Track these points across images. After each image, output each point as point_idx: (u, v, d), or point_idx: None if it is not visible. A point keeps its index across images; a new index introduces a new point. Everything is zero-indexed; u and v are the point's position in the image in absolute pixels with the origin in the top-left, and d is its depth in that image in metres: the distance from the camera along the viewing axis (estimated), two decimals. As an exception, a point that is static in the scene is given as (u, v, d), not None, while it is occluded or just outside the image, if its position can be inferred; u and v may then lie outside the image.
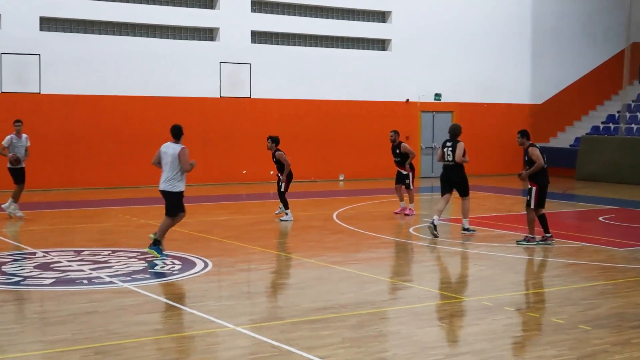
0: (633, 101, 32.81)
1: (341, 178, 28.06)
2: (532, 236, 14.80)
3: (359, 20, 28.90)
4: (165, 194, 13.12)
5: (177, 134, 13.21)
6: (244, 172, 26.69)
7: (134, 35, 25.28)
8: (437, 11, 29.88)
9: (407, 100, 29.52)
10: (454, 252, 14.30)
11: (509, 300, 10.44)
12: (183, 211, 13.23)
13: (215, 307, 9.94)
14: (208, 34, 26.39)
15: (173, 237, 15.24)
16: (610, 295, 10.94)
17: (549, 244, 14.71)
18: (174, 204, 13.09)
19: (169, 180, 13.07)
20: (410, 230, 16.65)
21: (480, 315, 9.80)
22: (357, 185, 26.61)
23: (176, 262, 12.74)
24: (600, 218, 18.55)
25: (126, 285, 11.04)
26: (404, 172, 19.05)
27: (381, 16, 29.31)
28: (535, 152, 14.65)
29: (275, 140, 17.85)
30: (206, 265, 12.56)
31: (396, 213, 18.97)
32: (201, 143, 25.91)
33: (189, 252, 13.65)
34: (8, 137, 17.56)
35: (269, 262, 13.09)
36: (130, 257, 13.10)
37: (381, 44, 29.36)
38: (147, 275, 11.71)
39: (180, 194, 13.13)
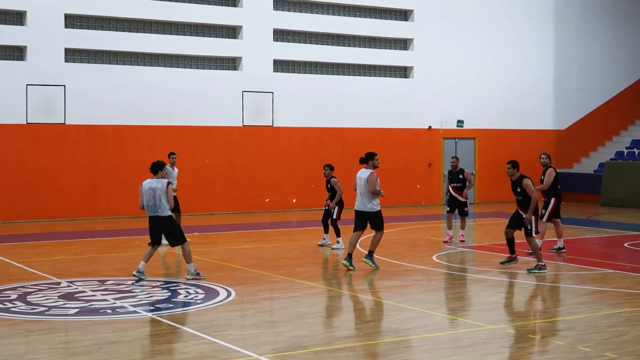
0: (657, 126, 32.64)
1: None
2: (542, 263, 14.62)
3: (381, 48, 28.99)
4: (366, 214, 14.82)
5: (366, 159, 14.95)
6: (267, 200, 26.74)
7: (157, 66, 25.50)
8: (457, 37, 29.91)
9: (430, 127, 29.51)
10: (479, 280, 14.21)
11: (533, 328, 10.36)
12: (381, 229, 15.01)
13: (239, 336, 9.94)
14: (231, 63, 26.57)
15: (197, 266, 15.27)
16: (637, 322, 10.82)
17: (514, 263, 15.03)
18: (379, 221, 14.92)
19: (366, 203, 14.78)
20: (434, 257, 16.58)
21: (504, 343, 9.72)
22: (383, 212, 26.49)
23: (199, 291, 12.75)
24: (626, 244, 18.39)
25: (150, 314, 11.06)
26: (462, 200, 18.76)
27: (403, 43, 29.40)
28: (529, 185, 14.57)
29: (332, 167, 17.96)
30: (229, 294, 12.56)
31: (445, 242, 18.72)
32: (225, 171, 26.02)
33: (212, 281, 13.66)
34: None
35: (292, 290, 13.08)
36: (153, 287, 13.13)
37: (403, 71, 29.43)
38: (171, 305, 11.73)
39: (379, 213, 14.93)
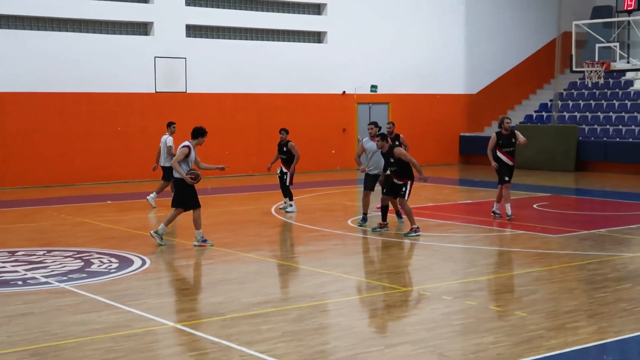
0: (565, 90, 33.39)
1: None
2: (416, 226, 14.86)
3: (294, 12, 28.87)
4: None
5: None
6: (182, 167, 26.49)
7: (66, 31, 24.88)
8: (371, 2, 30.00)
9: (344, 92, 29.61)
10: (393, 243, 14.39)
11: (446, 289, 10.56)
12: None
13: (154, 304, 9.87)
14: (142, 28, 26.11)
15: (109, 235, 15.09)
16: (545, 281, 11.14)
17: (385, 230, 15.23)
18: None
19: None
20: (349, 222, 16.71)
21: (419, 305, 9.90)
22: (296, 178, 26.56)
23: (113, 260, 12.60)
24: (534, 205, 18.85)
25: (62, 285, 10.89)
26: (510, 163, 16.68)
27: (316, 8, 29.34)
28: (401, 152, 14.78)
29: (287, 131, 18.03)
30: (144, 262, 12.45)
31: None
32: (138, 138, 25.64)
33: (125, 249, 13.51)
34: (170, 138, 18.95)
35: (207, 257, 13.03)
36: (66, 257, 12.92)
37: (317, 36, 29.40)
38: (84, 275, 11.56)
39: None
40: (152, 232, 14.02)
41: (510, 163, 16.59)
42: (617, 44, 27.56)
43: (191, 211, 13.85)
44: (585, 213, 18.35)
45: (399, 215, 16.36)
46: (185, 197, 13.72)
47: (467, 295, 10.29)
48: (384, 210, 15.48)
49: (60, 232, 15.65)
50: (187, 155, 13.54)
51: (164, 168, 18.89)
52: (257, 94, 27.80)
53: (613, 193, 21.82)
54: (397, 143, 16.10)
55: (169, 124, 19.38)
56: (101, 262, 12.47)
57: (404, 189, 14.97)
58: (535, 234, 15.06)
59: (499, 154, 16.57)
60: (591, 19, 32.17)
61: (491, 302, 9.89)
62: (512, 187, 17.15)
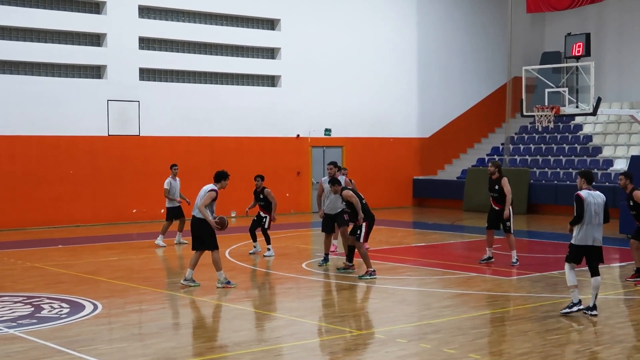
0: (516, 133, 33.90)
1: (233, 215, 27.93)
2: (372, 269, 14.99)
3: (248, 56, 29.00)
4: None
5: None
6: (134, 211, 26.29)
7: (18, 74, 24.70)
8: (325, 47, 30.25)
9: (298, 135, 29.72)
10: (347, 286, 14.39)
11: (401, 332, 10.57)
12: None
13: (106, 350, 9.73)
14: (96, 71, 26.01)
15: (60, 280, 14.89)
16: (499, 323, 11.22)
17: (349, 272, 15.36)
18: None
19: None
20: (303, 265, 16.69)
21: (373, 348, 9.88)
22: (248, 222, 26.49)
23: (64, 305, 12.41)
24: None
25: (12, 331, 10.69)
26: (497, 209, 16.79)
27: (270, 52, 29.51)
28: (349, 194, 15.04)
29: (263, 178, 18.21)
30: (95, 307, 12.28)
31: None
32: (90, 182, 25.41)
33: (77, 294, 13.33)
34: (168, 180, 20.32)
35: (160, 302, 12.90)
36: (15, 302, 12.69)
37: (271, 80, 29.54)
38: (34, 320, 11.36)
39: None
40: (182, 281, 14.15)
41: (495, 208, 16.77)
42: (566, 89, 27.99)
43: (210, 252, 14.03)
44: (537, 255, 18.54)
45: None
46: (205, 237, 13.88)
47: (421, 338, 10.31)
48: (350, 250, 15.63)
49: (10, 277, 15.39)
50: (214, 199, 13.88)
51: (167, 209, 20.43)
52: (211, 137, 27.78)
53: (563, 236, 22.07)
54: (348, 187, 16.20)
55: (171, 166, 20.72)
56: (52, 307, 12.27)
57: (358, 232, 15.13)
58: (488, 276, 15.17)
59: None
60: (541, 64, 32.76)
61: (445, 344, 9.92)
62: (464, 230, 17.32)
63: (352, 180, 18.06)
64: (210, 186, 14.04)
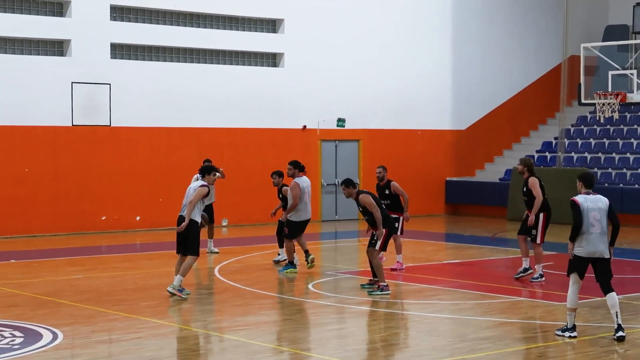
0: (572, 125, 33.84)
1: (224, 223, 27.96)
2: (385, 284, 15.58)
3: (244, 29, 29.03)
4: None
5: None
6: (103, 218, 26.35)
7: (-38, 50, 24.85)
8: (339, 18, 30.24)
9: (304, 126, 29.74)
10: (363, 313, 14.37)
11: (429, 370, 10.56)
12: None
13: (67, 389, 9.76)
14: (57, 47, 26.09)
15: (13, 303, 14.93)
16: (550, 359, 11.18)
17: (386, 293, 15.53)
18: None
19: None
20: (309, 286, 16.69)
21: (395, 390, 9.88)
22: (244, 231, 26.56)
23: (17, 334, 12.44)
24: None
25: (-47, 365, 10.73)
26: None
27: (271, 24, 29.54)
28: (367, 200, 15.49)
29: (281, 174, 19.06)
30: (55, 336, 12.31)
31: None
32: (50, 183, 25.47)
33: (33, 320, 13.35)
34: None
35: (135, 330, 12.92)
36: (-42, 330, 12.74)
37: (271, 59, 29.56)
38: (-20, 352, 11.41)
39: None
40: (168, 288, 15.09)
41: (528, 213, 17.14)
42: (635, 71, 27.98)
43: (187, 257, 15.15)
44: (598, 276, 18.46)
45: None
46: (191, 240, 15.06)
47: (454, 377, 10.30)
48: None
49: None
50: (206, 196, 15.07)
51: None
52: (198, 128, 27.80)
53: (631, 251, 22.04)
54: (386, 191, 18.14)
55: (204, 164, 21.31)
56: (2, 336, 12.32)
57: (374, 238, 15.57)
58: (537, 300, 15.13)
59: None
60: (603, 40, 32.76)
61: (483, 385, 9.91)
62: (508, 244, 17.33)
63: (393, 182, 18.37)
64: (201, 182, 15.01)
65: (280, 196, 19.18)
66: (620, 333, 11.85)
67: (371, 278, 16.06)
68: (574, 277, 12.19)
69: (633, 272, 19.09)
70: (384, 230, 15.49)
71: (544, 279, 16.86)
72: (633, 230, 26.58)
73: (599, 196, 12.15)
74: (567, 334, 11.99)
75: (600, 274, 12.10)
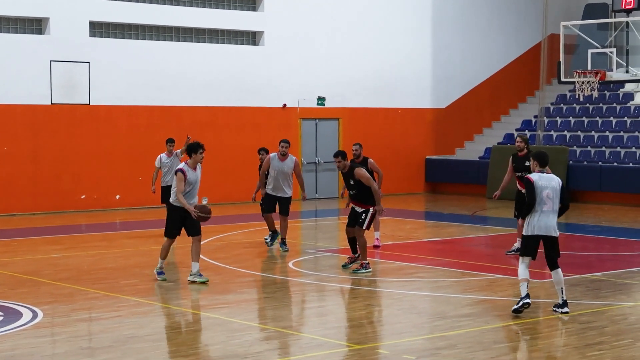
0: (552, 104, 33.91)
1: (205, 202, 27.87)
2: (367, 262, 15.57)
3: (223, 7, 28.93)
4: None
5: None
6: (83, 197, 26.28)
7: (-60, 27, 24.68)
8: (318, -3, 30.24)
9: (284, 105, 29.71)
10: (343, 290, 14.41)
11: (409, 347, 10.59)
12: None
13: (47, 368, 9.75)
14: (36, 25, 25.94)
15: (-7, 281, 14.89)
16: (529, 336, 11.24)
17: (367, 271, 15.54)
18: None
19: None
20: (290, 264, 16.71)
21: (375, 367, 9.92)
22: (225, 210, 26.51)
23: (-3, 312, 12.45)
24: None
25: None
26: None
27: (251, 2, 29.45)
28: (363, 173, 15.41)
29: (268, 152, 18.63)
30: (35, 315, 12.30)
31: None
32: (29, 162, 25.38)
33: (12, 299, 13.33)
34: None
35: (115, 309, 12.91)
36: (-63, 309, 12.72)
37: (251, 37, 29.48)
38: (-41, 331, 11.38)
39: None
40: (189, 277, 14.80)
41: (523, 191, 16.67)
42: (614, 50, 28.03)
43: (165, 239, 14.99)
44: (577, 253, 18.58)
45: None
46: (169, 222, 14.92)
47: (433, 354, 10.34)
48: (352, 242, 15.95)
49: None
50: (184, 181, 14.41)
51: None
52: (178, 106, 27.74)
53: (609, 229, 22.15)
54: (351, 182, 16.09)
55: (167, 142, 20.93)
56: (-16, 314, 12.31)
57: (363, 216, 15.46)
58: (517, 278, 15.17)
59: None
60: (583, 19, 32.78)
61: (463, 362, 9.95)
62: (488, 222, 17.39)
63: (370, 159, 18.23)
64: (179, 165, 14.71)
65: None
66: (565, 309, 12.17)
67: (350, 256, 16.04)
68: (524, 260, 12.43)
69: (611, 250, 19.20)
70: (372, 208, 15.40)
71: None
72: (612, 209, 26.72)
73: (553, 175, 12.36)
74: (521, 302, 12.13)
75: (549, 250, 12.38)
